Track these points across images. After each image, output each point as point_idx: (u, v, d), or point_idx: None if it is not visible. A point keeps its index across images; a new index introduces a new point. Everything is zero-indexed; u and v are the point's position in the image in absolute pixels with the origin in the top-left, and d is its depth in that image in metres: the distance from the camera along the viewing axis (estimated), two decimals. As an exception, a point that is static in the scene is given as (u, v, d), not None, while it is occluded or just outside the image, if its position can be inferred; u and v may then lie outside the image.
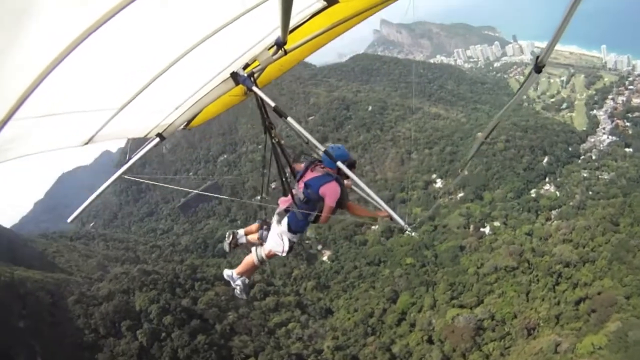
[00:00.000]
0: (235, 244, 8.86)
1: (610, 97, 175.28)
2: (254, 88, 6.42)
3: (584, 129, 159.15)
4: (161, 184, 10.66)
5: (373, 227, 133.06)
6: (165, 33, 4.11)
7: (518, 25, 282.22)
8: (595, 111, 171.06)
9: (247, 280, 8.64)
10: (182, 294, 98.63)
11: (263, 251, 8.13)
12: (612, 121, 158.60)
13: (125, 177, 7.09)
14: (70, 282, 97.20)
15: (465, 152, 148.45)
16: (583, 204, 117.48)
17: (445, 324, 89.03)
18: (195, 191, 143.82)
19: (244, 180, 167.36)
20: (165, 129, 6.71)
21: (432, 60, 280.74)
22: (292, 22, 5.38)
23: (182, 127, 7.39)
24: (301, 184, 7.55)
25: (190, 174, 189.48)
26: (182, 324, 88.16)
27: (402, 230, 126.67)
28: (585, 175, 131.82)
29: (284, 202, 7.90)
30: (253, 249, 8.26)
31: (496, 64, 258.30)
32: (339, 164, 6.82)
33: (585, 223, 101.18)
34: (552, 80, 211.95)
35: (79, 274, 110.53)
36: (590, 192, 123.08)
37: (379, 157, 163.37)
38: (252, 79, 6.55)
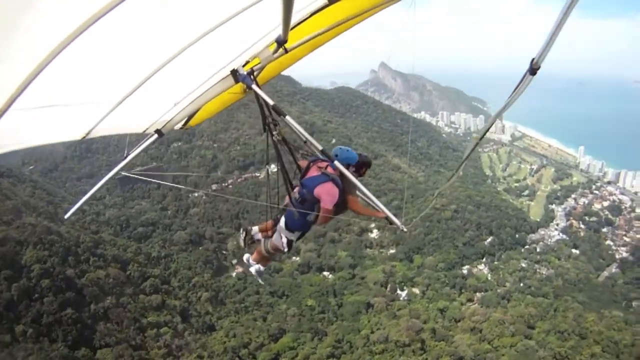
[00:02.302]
0: (251, 241, 8.68)
1: (573, 196, 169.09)
2: (254, 86, 6.23)
3: (538, 220, 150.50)
4: (157, 181, 10.27)
5: (295, 258, 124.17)
6: (165, 27, 4.01)
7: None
8: (554, 206, 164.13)
9: (262, 268, 8.84)
10: (73, 263, 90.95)
11: (269, 244, 8.15)
12: (568, 220, 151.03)
13: (124, 173, 6.97)
14: None
15: (412, 211, 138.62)
16: (510, 295, 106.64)
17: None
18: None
19: (190, 174, 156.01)
20: (164, 126, 6.62)
21: (415, 115, 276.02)
22: (293, 20, 5.08)
23: (180, 126, 7.44)
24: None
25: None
26: (58, 291, 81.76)
27: (320, 269, 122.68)
28: (523, 265, 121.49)
29: (288, 199, 7.77)
30: (262, 240, 8.33)
31: (474, 135, 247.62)
32: (336, 163, 6.73)
33: (500, 317, 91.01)
34: (522, 166, 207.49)
35: None
36: (522, 284, 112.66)
37: None
38: (251, 76, 6.29)
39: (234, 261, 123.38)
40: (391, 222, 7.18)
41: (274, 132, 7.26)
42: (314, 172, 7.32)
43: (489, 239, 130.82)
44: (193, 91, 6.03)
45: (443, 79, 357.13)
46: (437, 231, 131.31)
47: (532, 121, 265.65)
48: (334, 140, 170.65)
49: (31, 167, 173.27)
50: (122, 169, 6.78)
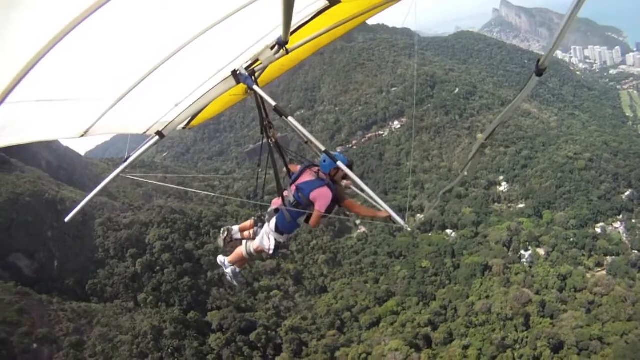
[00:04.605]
0: (230, 240, 8.58)
1: None
2: (255, 87, 6.15)
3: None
4: (155, 182, 10.49)
5: (419, 215, 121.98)
6: (164, 24, 3.97)
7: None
8: None
9: (237, 270, 8.52)
10: (193, 236, 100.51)
11: (252, 246, 8.07)
12: None
13: (124, 175, 6.79)
14: (107, 205, 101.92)
15: (543, 161, 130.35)
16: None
17: (380, 354, 77.30)
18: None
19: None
20: (165, 127, 6.38)
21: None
22: (294, 21, 5.13)
23: (182, 126, 7.25)
24: (294, 187, 7.44)
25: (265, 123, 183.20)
26: (177, 263, 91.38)
27: (443, 227, 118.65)
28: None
29: (276, 202, 7.73)
30: (244, 242, 8.26)
31: (612, 71, 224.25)
32: (340, 164, 6.66)
33: (624, 292, 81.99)
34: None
35: (123, 199, 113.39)
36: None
37: (450, 144, 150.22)
38: (253, 77, 6.19)
39: (358, 222, 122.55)
40: (394, 222, 6.92)
41: (270, 134, 7.30)
42: (307, 177, 7.33)
43: (628, 192, 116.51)
44: (194, 92, 5.94)
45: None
46: (569, 183, 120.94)
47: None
48: (457, 90, 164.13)
49: (164, 155, 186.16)
50: (123, 171, 6.64)
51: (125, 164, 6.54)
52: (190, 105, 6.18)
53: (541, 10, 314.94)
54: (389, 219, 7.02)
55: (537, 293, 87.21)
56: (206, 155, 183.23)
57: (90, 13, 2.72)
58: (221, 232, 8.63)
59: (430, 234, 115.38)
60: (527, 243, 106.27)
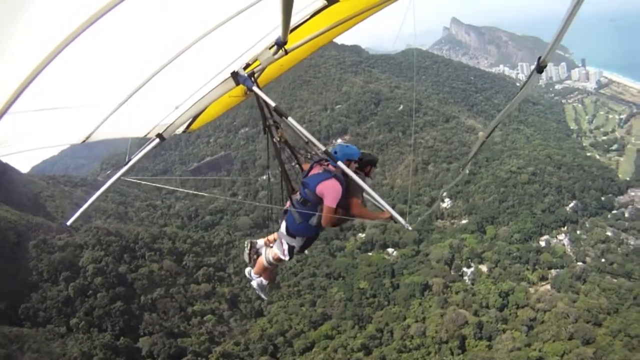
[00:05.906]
0: (256, 255, 8.24)
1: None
2: (255, 88, 6.08)
3: (628, 178, 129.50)
4: (160, 185, 10.34)
5: (360, 234, 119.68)
6: (165, 28, 3.96)
7: (590, 50, 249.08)
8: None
9: (263, 281, 8.21)
10: (128, 259, 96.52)
11: (270, 254, 7.70)
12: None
13: (125, 179, 6.48)
14: (43, 226, 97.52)
15: (486, 176, 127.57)
16: (586, 274, 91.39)
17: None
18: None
19: (255, 157, 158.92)
20: (165, 130, 6.33)
21: (494, 69, 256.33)
22: (293, 21, 5.03)
23: (182, 130, 7.29)
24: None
25: (211, 140, 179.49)
26: (110, 287, 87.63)
27: (384, 246, 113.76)
28: (609, 234, 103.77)
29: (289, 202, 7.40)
30: (264, 250, 7.91)
31: (557, 86, 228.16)
32: (340, 163, 6.28)
33: (566, 308, 78.91)
34: (610, 116, 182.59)
35: (61, 219, 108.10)
36: (604, 260, 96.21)
37: (393, 162, 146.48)
38: (252, 78, 6.17)
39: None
40: (396, 222, 6.61)
41: (275, 135, 6.77)
42: (315, 171, 6.81)
43: (571, 204, 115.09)
44: (194, 94, 5.82)
45: (518, 27, 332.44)
46: (513, 197, 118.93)
47: (618, 64, 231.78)
48: (401, 107, 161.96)
49: (108, 173, 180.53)
50: (124, 174, 6.22)
51: (127, 166, 6.21)
52: (191, 107, 6.00)
53: (490, 29, 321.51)
54: (391, 219, 6.74)
55: (475, 313, 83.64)
56: (150, 173, 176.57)
57: (94, 20, 2.68)
58: (245, 245, 8.22)
59: (370, 254, 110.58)
60: (470, 260, 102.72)
